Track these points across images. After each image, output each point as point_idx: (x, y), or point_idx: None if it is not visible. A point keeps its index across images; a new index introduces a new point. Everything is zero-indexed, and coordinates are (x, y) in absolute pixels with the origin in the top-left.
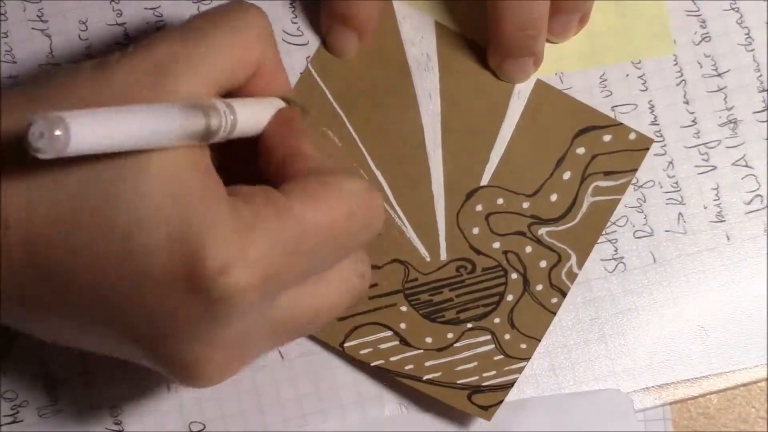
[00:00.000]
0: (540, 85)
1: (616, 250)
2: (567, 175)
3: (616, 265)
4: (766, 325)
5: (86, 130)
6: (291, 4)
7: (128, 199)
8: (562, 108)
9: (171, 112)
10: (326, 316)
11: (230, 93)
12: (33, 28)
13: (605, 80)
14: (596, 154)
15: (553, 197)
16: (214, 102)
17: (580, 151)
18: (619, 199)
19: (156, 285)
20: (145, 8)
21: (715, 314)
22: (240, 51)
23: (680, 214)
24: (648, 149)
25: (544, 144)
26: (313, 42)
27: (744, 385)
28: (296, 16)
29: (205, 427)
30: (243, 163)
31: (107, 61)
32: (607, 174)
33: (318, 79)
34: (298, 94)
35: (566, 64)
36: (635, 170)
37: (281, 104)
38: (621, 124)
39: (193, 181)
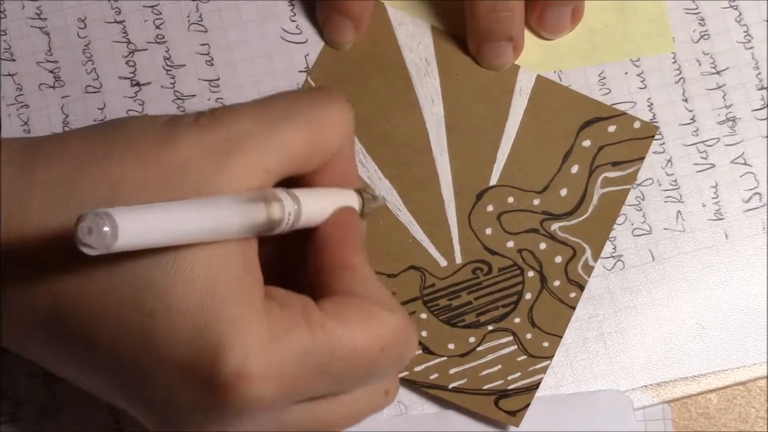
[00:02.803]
0: (541, 81)
1: (614, 248)
2: (575, 169)
3: (615, 263)
4: (765, 323)
5: (136, 226)
6: (290, 2)
7: (161, 281)
8: (565, 102)
9: (229, 207)
10: (342, 427)
11: (294, 177)
12: (32, 26)
13: (604, 78)
14: (602, 145)
15: (563, 192)
16: (278, 193)
17: (586, 143)
18: (629, 189)
19: (172, 369)
20: (144, 6)
21: (714, 312)
22: (313, 147)
23: (679, 212)
24: (653, 136)
25: (550, 139)
26: (311, 40)
27: (743, 383)
28: (295, 15)
29: None
30: (290, 257)
31: (179, 123)
32: (615, 164)
33: None
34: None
35: (565, 62)
36: (643, 158)
37: (349, 197)
38: (624, 113)
39: (233, 277)
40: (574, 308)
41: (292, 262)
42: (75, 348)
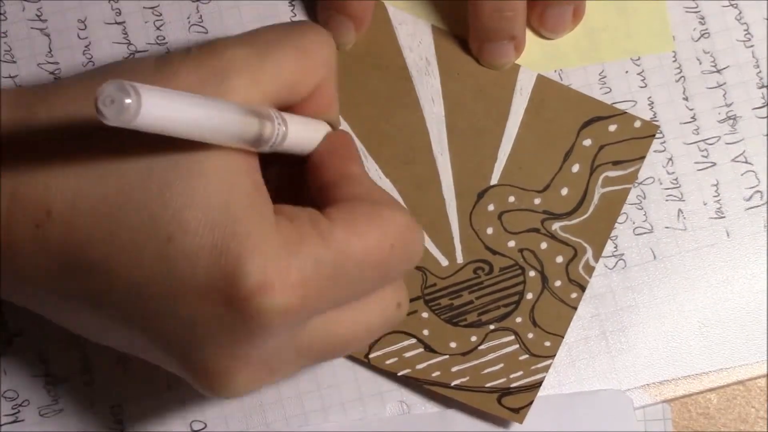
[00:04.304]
0: (541, 80)
1: (616, 247)
2: (576, 168)
3: (616, 262)
4: (766, 322)
5: (155, 105)
6: (290, 2)
7: (177, 202)
8: (566, 101)
9: (231, 109)
10: (360, 343)
11: (282, 110)
12: (32, 27)
13: (604, 77)
14: (603, 144)
15: (564, 191)
16: (270, 111)
17: (587, 142)
18: (630, 188)
19: (193, 293)
20: (144, 7)
21: (716, 310)
22: (302, 73)
23: (680, 210)
24: (654, 136)
25: (551, 138)
26: None
27: (744, 381)
28: (295, 15)
29: (206, 426)
30: (289, 184)
31: (172, 58)
32: (616, 163)
33: None
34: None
35: (565, 61)
36: (643, 157)
37: (330, 129)
38: (625, 112)
39: (244, 193)
40: (575, 308)
41: (290, 195)
42: (88, 284)
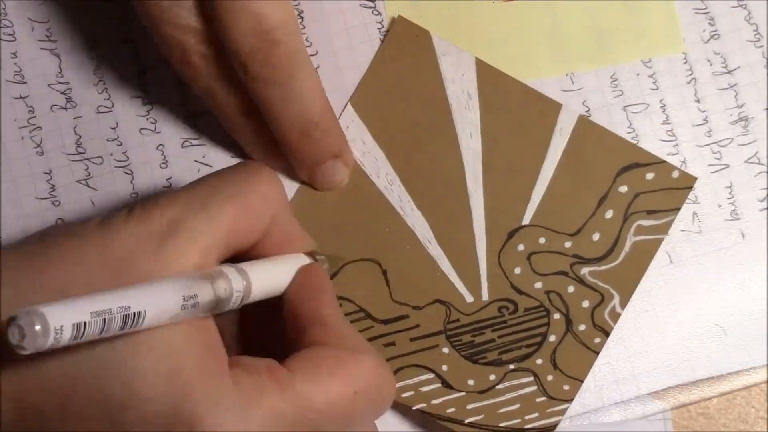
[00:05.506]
0: (582, 121)
1: None
2: (609, 214)
3: None
4: None
5: (68, 321)
6: (299, 15)
7: (122, 375)
8: (605, 145)
9: (169, 290)
10: None
11: (242, 252)
12: (41, 48)
13: (616, 80)
14: (639, 192)
15: (596, 236)
16: (222, 270)
17: (623, 189)
18: (662, 239)
19: None
20: None
21: (733, 313)
22: (242, 217)
23: (695, 213)
24: (691, 187)
25: (586, 182)
26: (322, 52)
27: (761, 383)
28: (304, 27)
29: None
30: (267, 321)
31: (113, 221)
32: (650, 213)
33: (359, 118)
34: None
35: (576, 65)
36: (678, 209)
37: (304, 260)
38: (664, 161)
39: (190, 357)
40: (597, 353)
41: (263, 327)
42: None
